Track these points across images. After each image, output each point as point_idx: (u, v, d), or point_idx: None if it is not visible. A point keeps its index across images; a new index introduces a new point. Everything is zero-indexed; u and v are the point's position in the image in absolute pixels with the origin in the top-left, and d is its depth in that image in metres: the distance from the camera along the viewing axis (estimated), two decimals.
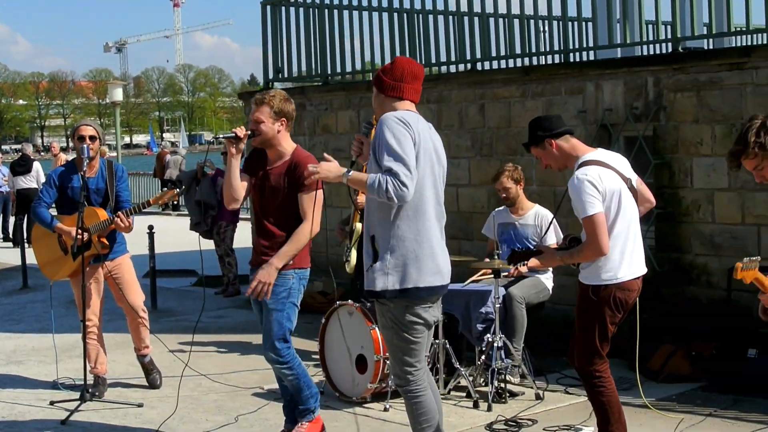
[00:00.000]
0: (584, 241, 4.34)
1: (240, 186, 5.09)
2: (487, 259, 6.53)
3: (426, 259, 4.12)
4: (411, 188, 3.90)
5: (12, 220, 15.71)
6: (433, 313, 4.27)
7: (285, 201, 5.02)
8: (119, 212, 5.80)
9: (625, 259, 4.41)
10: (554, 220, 6.28)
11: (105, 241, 5.92)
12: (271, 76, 10.56)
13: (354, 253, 6.79)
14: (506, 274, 6.31)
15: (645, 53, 7.83)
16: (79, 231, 5.74)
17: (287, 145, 4.92)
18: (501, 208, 6.68)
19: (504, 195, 6.47)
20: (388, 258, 4.10)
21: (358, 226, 6.63)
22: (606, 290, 4.34)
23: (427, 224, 4.17)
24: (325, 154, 4.25)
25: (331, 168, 4.09)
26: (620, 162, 4.73)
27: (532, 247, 5.83)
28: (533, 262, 5.63)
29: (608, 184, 4.34)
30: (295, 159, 4.94)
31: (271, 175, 5.01)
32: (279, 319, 4.91)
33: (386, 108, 4.18)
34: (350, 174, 4.01)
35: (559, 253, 4.72)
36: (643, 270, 4.55)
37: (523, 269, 6.47)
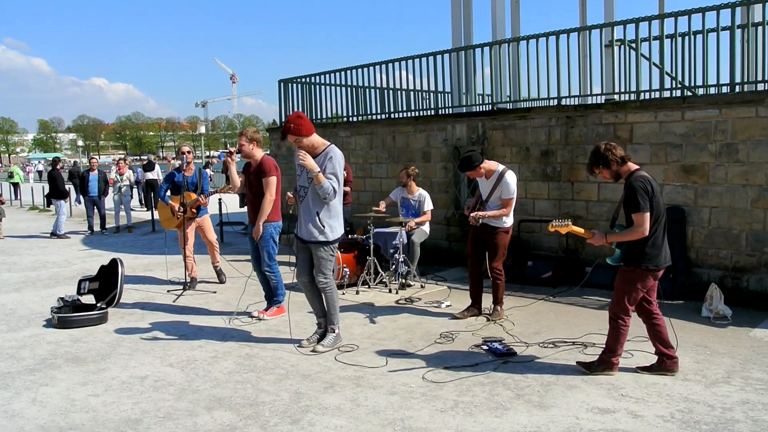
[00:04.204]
0: (504, 209, 6.38)
1: (237, 178, 6.69)
2: (383, 204, 8.37)
3: (340, 221, 5.52)
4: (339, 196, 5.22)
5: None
6: (336, 250, 5.64)
7: (258, 185, 6.34)
8: (201, 195, 8.17)
9: (511, 217, 6.45)
10: (428, 196, 8.46)
11: (194, 210, 8.26)
12: (283, 120, 12.95)
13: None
14: (405, 228, 8.14)
15: (477, 110, 9.82)
16: (181, 205, 7.96)
17: (258, 155, 6.46)
18: (400, 187, 8.69)
19: (403, 181, 8.51)
20: (327, 222, 5.38)
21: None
22: (510, 229, 6.54)
23: (340, 205, 5.52)
24: (302, 152, 5.25)
25: (311, 161, 5.21)
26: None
27: (415, 211, 8.12)
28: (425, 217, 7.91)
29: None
30: (261, 161, 6.34)
31: (251, 172, 6.44)
32: (267, 250, 6.56)
33: (313, 140, 5.26)
34: (319, 173, 5.20)
35: (491, 212, 6.35)
36: None
37: (413, 224, 8.21)
